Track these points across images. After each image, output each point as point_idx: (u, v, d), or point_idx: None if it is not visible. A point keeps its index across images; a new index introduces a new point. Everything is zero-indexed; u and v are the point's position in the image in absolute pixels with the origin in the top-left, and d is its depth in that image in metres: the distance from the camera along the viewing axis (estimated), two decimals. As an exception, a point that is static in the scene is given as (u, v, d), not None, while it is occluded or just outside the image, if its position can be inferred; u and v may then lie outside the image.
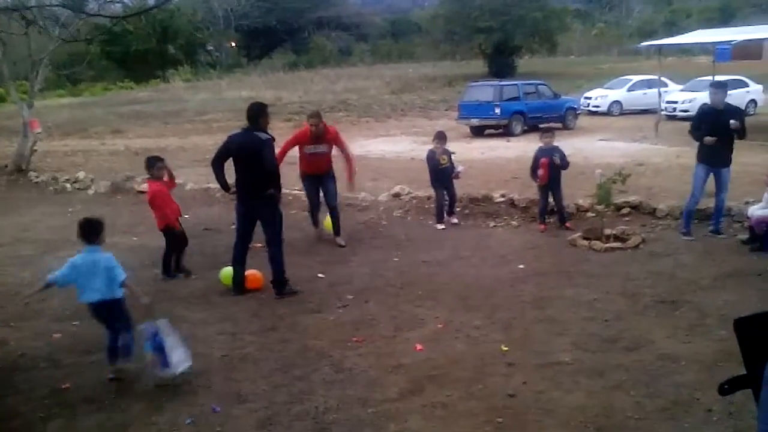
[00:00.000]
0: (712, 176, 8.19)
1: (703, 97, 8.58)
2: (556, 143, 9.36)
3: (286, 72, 47.06)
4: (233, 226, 9.67)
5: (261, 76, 44.89)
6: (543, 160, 8.92)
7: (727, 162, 8.11)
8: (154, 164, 7.64)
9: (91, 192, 13.15)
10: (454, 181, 9.67)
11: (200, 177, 13.02)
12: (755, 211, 7.71)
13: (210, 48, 59.74)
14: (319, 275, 7.46)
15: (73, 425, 4.35)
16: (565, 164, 9.07)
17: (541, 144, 9.33)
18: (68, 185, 13.78)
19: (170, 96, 34.48)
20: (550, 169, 8.93)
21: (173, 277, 7.60)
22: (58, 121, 25.55)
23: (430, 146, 9.84)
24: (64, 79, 40.82)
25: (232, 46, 62.35)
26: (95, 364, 5.24)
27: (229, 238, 9.06)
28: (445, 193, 9.59)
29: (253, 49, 62.29)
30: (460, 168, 9.76)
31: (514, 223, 9.54)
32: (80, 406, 4.59)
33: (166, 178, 7.80)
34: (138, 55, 49.31)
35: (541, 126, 20.43)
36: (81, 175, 14.06)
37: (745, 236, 7.97)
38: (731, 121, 7.91)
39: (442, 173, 9.50)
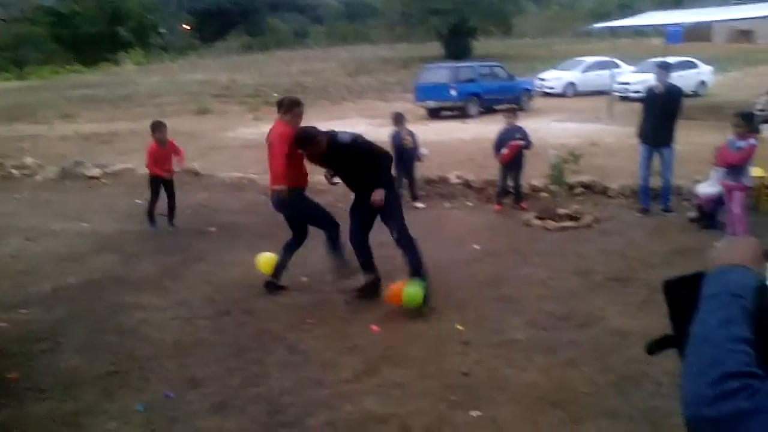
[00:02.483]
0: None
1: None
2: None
3: (241, 54, 46.46)
4: (187, 211, 9.60)
5: (215, 58, 44.28)
6: (513, 143, 8.93)
7: (668, 142, 8.27)
8: (156, 128, 9.02)
9: (39, 178, 12.82)
10: (417, 164, 9.63)
11: (153, 161, 12.78)
12: (703, 189, 7.88)
13: (162, 30, 58.48)
14: (275, 258, 7.40)
15: (21, 415, 4.24)
16: (529, 145, 9.12)
17: (504, 124, 9.37)
18: (15, 171, 13.40)
19: (121, 79, 33.70)
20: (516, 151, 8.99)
21: (154, 225, 8.80)
22: (4, 105, 24.81)
23: (387, 129, 9.81)
24: (9, 62, 39.67)
25: (185, 29, 61.26)
26: (45, 353, 5.12)
27: (180, 223, 8.97)
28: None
29: (206, 32, 61.29)
30: (424, 150, 9.73)
31: (469, 204, 9.60)
32: (28, 396, 4.47)
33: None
34: (87, 38, 48.08)
35: (497, 107, 20.64)
36: (28, 160, 13.68)
37: (694, 214, 8.14)
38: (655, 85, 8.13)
39: (406, 155, 9.44)
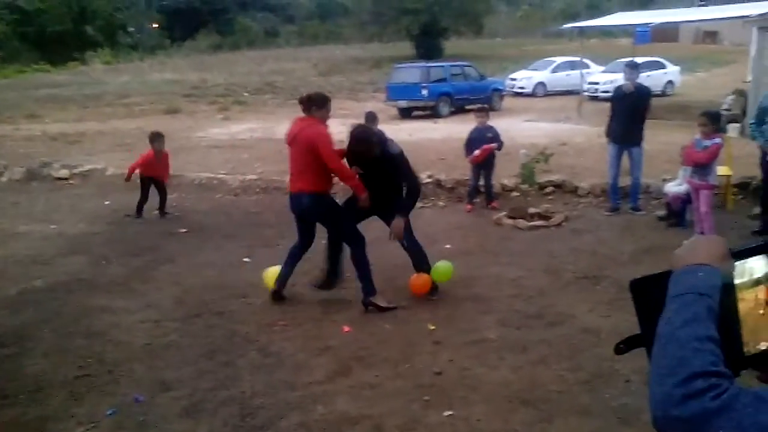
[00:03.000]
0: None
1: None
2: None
3: (211, 54, 46.10)
4: (155, 212, 9.50)
5: (185, 58, 43.89)
6: (486, 147, 8.96)
7: (637, 141, 8.37)
8: (155, 139, 9.48)
9: (3, 179, 12.58)
10: None
11: (122, 162, 12.60)
12: (671, 187, 7.98)
13: (131, 29, 57.76)
14: (245, 259, 7.35)
15: (-14, 422, 4.17)
16: (500, 146, 9.16)
17: (476, 123, 9.40)
18: (-20, 172, 13.16)
19: (89, 79, 33.25)
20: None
21: (140, 217, 9.30)
22: (-32, 105, 24.37)
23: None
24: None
25: (154, 28, 60.55)
26: (10, 358, 5.02)
27: (149, 225, 8.89)
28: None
29: (176, 31, 60.62)
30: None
31: (441, 203, 9.62)
32: (-7, 402, 4.39)
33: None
34: (54, 37, 47.29)
35: (468, 107, 20.70)
36: (-6, 161, 13.45)
37: (662, 212, 8.25)
38: (624, 85, 8.25)
39: None
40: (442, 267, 6.10)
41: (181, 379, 4.59)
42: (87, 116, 22.36)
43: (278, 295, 5.95)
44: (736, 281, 1.19)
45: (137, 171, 9.48)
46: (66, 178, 11.99)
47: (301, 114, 5.91)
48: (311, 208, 5.74)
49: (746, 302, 1.19)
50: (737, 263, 1.20)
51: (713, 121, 7.00)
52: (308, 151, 5.56)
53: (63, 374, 4.72)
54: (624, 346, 1.30)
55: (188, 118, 21.37)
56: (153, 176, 9.41)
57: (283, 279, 5.96)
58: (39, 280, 6.77)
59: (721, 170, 7.82)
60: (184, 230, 8.57)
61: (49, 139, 16.84)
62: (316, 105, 5.75)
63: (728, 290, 1.16)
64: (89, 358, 4.95)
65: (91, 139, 16.62)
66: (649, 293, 1.24)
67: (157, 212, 9.42)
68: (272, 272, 6.07)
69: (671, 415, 1.00)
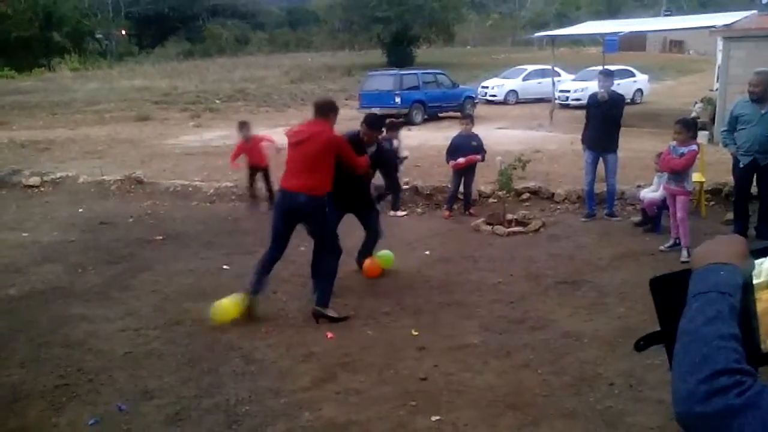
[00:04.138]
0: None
1: (595, 87, 8.96)
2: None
3: (181, 61, 45.74)
4: (130, 220, 9.39)
5: (154, 64, 43.42)
6: (471, 157, 9.03)
7: (612, 148, 8.47)
8: (242, 127, 9.97)
9: (-28, 186, 12.35)
10: None
11: (93, 169, 12.48)
12: (646, 194, 8.10)
13: (99, 36, 57.10)
14: (224, 267, 7.28)
15: (-37, 434, 4.08)
16: (483, 157, 9.22)
17: (461, 130, 9.45)
18: (-53, 180, 12.88)
19: (57, 86, 32.75)
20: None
21: (256, 208, 9.91)
22: (-69, 112, 23.88)
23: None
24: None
25: (123, 34, 59.98)
26: (-14, 367, 4.92)
27: (125, 232, 8.78)
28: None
29: (144, 38, 60.19)
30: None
31: (419, 210, 9.64)
32: (-30, 413, 4.30)
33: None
34: (19, 43, 46.49)
35: (441, 114, 20.78)
36: (-39, 168, 13.17)
37: (638, 218, 8.37)
38: (599, 92, 8.38)
39: None
40: (385, 254, 6.94)
41: (163, 388, 4.53)
42: (56, 123, 22.04)
43: (252, 313, 5.69)
44: (754, 281, 1.21)
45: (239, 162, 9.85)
46: (37, 186, 11.79)
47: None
48: (307, 209, 5.67)
49: (762, 302, 1.21)
50: (756, 262, 1.22)
51: (688, 128, 7.11)
52: (324, 152, 5.63)
53: (42, 384, 4.62)
54: (643, 343, 1.32)
55: (159, 125, 21.17)
56: (252, 165, 9.77)
57: (255, 290, 5.72)
58: (13, 288, 6.64)
59: (695, 177, 7.94)
60: (161, 237, 8.47)
61: (17, 146, 16.55)
62: (333, 112, 5.85)
63: (747, 289, 1.19)
64: (68, 368, 4.86)
65: (61, 146, 16.37)
66: (669, 291, 1.26)
67: (131, 219, 9.31)
68: (224, 306, 5.62)
69: (695, 411, 1.02)
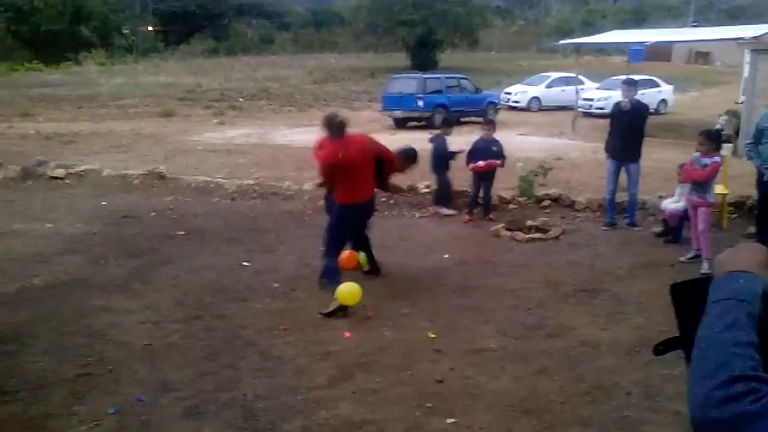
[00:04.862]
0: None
1: (618, 96, 8.94)
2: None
3: (206, 58, 46.04)
4: (152, 214, 9.49)
5: (179, 61, 43.78)
6: (491, 162, 9.05)
7: (635, 158, 8.44)
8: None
9: (-1, 177, 12.53)
10: None
11: (117, 163, 12.63)
12: (668, 204, 8.06)
13: (126, 31, 57.63)
14: (244, 263, 7.34)
15: (-14, 418, 4.15)
16: (503, 163, 9.24)
17: (482, 135, 9.47)
18: (-26, 169, 13.07)
19: (83, 79, 33.10)
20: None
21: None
22: (-40, 102, 24.25)
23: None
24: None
25: (149, 30, 60.46)
26: (10, 355, 5.00)
27: (147, 226, 8.88)
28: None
29: (171, 34, 60.56)
30: None
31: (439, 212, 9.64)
32: (-6, 399, 4.38)
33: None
34: (48, 36, 47.05)
35: (463, 119, 20.76)
36: (-12, 158, 13.37)
37: (658, 229, 8.33)
38: (621, 102, 8.31)
39: None
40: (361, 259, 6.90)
41: (182, 381, 4.59)
42: (81, 116, 22.32)
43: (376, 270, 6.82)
44: None
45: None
46: (62, 178, 11.94)
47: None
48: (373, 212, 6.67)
49: None
50: None
51: (711, 140, 7.07)
52: (373, 160, 6.36)
53: (64, 372, 4.71)
54: (663, 348, 1.34)
55: (183, 122, 21.36)
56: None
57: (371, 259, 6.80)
58: (37, 278, 6.74)
59: (717, 189, 7.90)
60: (182, 232, 8.55)
61: (43, 138, 16.78)
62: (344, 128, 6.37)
63: (766, 298, 1.20)
64: (90, 357, 4.94)
65: (86, 140, 16.57)
66: (689, 297, 1.28)
67: (153, 214, 9.41)
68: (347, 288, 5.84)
69: (710, 416, 1.03)
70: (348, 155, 6.11)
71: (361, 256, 6.87)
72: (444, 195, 9.58)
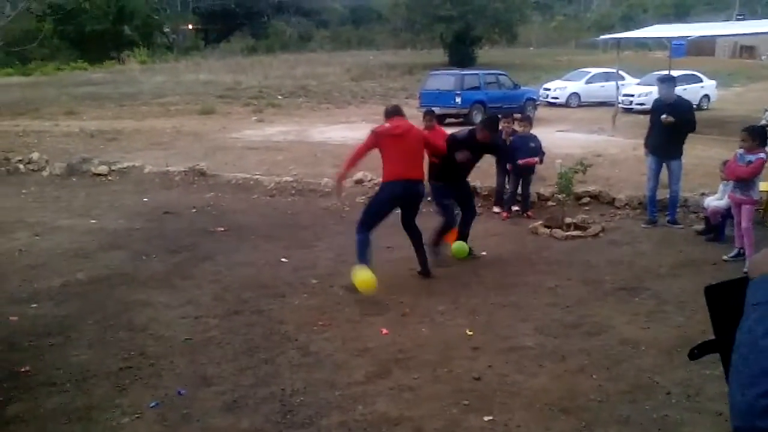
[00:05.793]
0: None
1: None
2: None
3: (245, 56, 46.50)
4: (193, 210, 9.63)
5: (219, 59, 44.28)
6: (530, 159, 9.04)
7: (676, 155, 8.30)
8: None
9: (45, 173, 12.81)
10: None
11: (158, 160, 12.83)
12: (711, 202, 7.91)
13: (167, 30, 58.52)
14: (283, 259, 7.41)
15: (34, 408, 4.25)
16: (542, 159, 9.18)
17: (519, 131, 9.41)
18: (21, 166, 13.39)
19: (126, 78, 33.71)
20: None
21: None
22: (8, 101, 24.82)
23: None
24: (14, 57, 39.62)
25: (190, 29, 61.32)
26: (56, 348, 5.13)
27: (187, 222, 9.02)
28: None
29: (211, 33, 61.36)
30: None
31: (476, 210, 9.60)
32: (40, 389, 4.48)
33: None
34: (93, 36, 48.06)
35: (501, 116, 20.53)
36: (35, 156, 13.68)
37: (700, 227, 8.18)
38: (662, 116, 8.09)
39: None
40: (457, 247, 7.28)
41: (222, 375, 4.66)
42: (123, 114, 22.71)
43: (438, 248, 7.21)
44: None
45: None
46: (105, 175, 12.19)
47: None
48: (422, 194, 6.69)
49: None
50: None
51: (755, 135, 6.92)
52: (420, 143, 6.66)
53: (107, 365, 4.82)
54: (698, 352, 1.31)
55: (223, 119, 21.59)
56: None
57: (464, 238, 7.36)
58: (81, 273, 6.90)
59: (762, 186, 7.72)
60: (222, 229, 8.67)
61: (87, 135, 17.14)
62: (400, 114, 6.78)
63: None
64: (132, 351, 5.04)
65: (128, 137, 16.87)
66: (725, 300, 1.25)
67: (194, 210, 9.55)
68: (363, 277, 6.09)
69: (755, 426, 0.99)
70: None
71: (460, 246, 7.21)
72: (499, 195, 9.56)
